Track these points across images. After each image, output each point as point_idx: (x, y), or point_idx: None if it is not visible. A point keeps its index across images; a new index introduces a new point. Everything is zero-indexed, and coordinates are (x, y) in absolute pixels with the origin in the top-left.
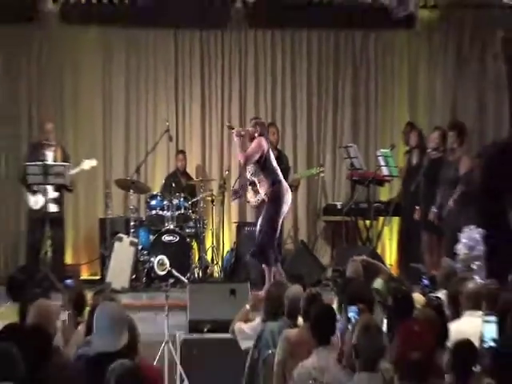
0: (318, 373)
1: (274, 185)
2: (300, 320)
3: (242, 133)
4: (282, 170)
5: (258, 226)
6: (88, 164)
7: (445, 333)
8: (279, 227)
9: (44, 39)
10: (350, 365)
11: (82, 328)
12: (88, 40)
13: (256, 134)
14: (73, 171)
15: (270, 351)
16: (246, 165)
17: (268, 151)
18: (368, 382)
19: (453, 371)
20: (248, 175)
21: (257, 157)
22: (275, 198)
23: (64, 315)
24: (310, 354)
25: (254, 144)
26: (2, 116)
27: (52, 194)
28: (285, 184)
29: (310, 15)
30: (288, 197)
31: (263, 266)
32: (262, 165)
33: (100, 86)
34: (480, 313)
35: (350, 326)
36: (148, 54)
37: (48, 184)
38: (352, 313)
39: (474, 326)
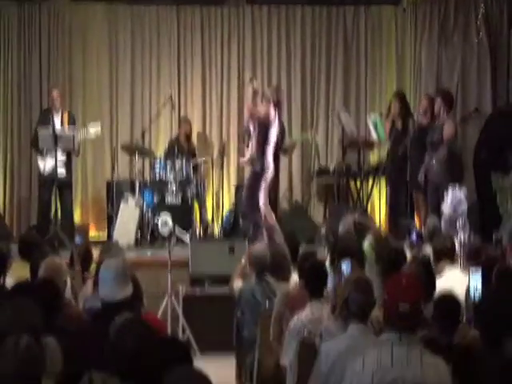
0: (312, 325)
1: (262, 156)
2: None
3: (259, 92)
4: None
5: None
6: (93, 131)
7: (431, 286)
8: (262, 192)
9: (54, 16)
10: (342, 317)
11: (89, 283)
12: (95, 16)
13: (270, 100)
14: (80, 137)
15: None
16: (249, 118)
17: (273, 123)
18: (359, 333)
19: (437, 323)
20: (250, 129)
21: (260, 120)
22: (259, 169)
23: (72, 271)
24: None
25: (264, 108)
26: (14, 86)
27: (61, 157)
28: (270, 159)
29: None
30: (270, 171)
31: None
32: (262, 132)
33: (107, 59)
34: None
35: (342, 280)
36: (152, 29)
37: (57, 149)
38: (344, 266)
39: (458, 281)
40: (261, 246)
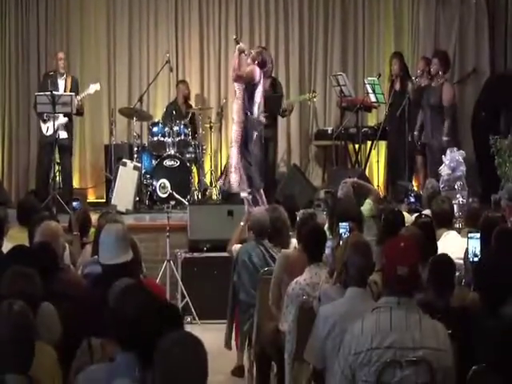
0: (311, 288)
1: (246, 116)
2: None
3: (245, 52)
4: (276, 97)
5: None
6: (93, 88)
7: (432, 250)
8: (252, 154)
9: None
10: (340, 281)
11: (88, 248)
12: None
13: (256, 61)
14: (79, 96)
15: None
16: (234, 81)
17: (258, 83)
18: (358, 297)
19: (432, 286)
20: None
21: (245, 81)
22: (244, 130)
23: (71, 237)
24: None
25: (248, 69)
26: (12, 50)
27: (62, 119)
28: (254, 119)
29: None
30: (255, 131)
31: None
32: (248, 93)
33: (104, 20)
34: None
35: (340, 243)
36: None
37: (56, 113)
38: (343, 229)
39: (456, 243)
40: (261, 210)
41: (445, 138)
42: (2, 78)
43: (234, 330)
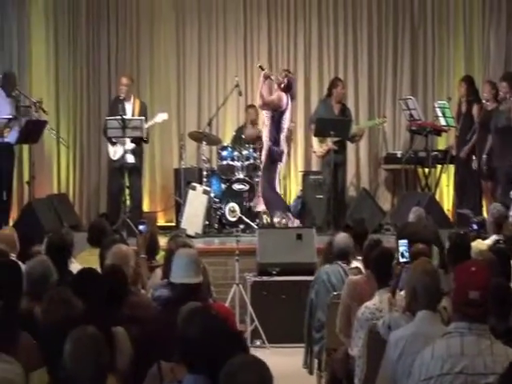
0: (380, 314)
1: (274, 143)
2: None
3: (272, 77)
4: (345, 122)
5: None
6: (160, 117)
7: (506, 276)
8: (277, 180)
9: (121, 2)
10: (410, 309)
11: (158, 271)
12: (162, 1)
13: (282, 86)
14: (147, 124)
15: (332, 294)
16: (260, 108)
17: (285, 110)
18: (428, 321)
19: (492, 310)
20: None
21: (272, 108)
22: (271, 157)
23: (138, 260)
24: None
25: (275, 95)
26: (83, 75)
27: (130, 145)
28: (282, 146)
29: None
30: (282, 158)
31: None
32: (275, 119)
33: (174, 44)
34: None
35: (401, 259)
36: (218, 14)
37: (126, 137)
38: (402, 246)
39: None
40: (343, 234)
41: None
42: (73, 102)
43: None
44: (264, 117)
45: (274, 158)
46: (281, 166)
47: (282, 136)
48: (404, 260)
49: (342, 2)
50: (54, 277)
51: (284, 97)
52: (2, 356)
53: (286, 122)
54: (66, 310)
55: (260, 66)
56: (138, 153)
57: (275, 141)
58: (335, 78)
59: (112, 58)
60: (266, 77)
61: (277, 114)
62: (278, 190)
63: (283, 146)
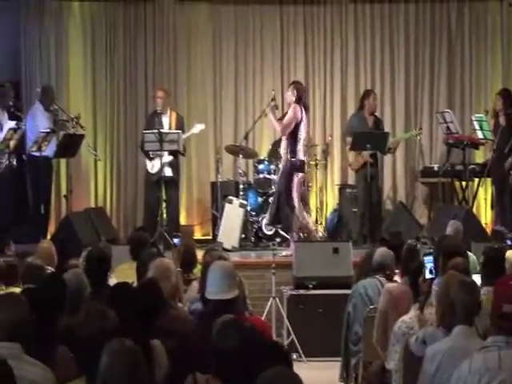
0: (417, 328)
1: (292, 155)
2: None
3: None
4: (381, 135)
5: (276, 193)
6: (198, 128)
7: None
8: (296, 194)
9: (159, 16)
10: (443, 323)
11: (195, 285)
12: (199, 16)
13: (293, 98)
14: (184, 135)
15: (369, 308)
16: (283, 134)
17: (301, 121)
18: (465, 335)
19: None
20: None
21: (293, 126)
22: (291, 169)
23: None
24: (410, 307)
25: (290, 113)
26: (120, 88)
27: (167, 158)
28: (300, 156)
29: None
30: (305, 168)
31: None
32: (292, 131)
33: (211, 59)
34: None
35: (428, 276)
36: (255, 28)
37: (163, 150)
38: (428, 262)
39: None
40: (383, 248)
41: None
42: (110, 115)
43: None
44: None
45: (295, 168)
46: (303, 176)
47: (299, 146)
48: (431, 276)
49: (378, 18)
50: (88, 290)
51: (298, 108)
52: (36, 362)
53: (302, 133)
54: (103, 322)
55: (273, 100)
56: (175, 166)
57: (293, 152)
58: (367, 90)
59: (149, 72)
60: (275, 109)
61: (293, 128)
62: (295, 202)
63: (301, 156)
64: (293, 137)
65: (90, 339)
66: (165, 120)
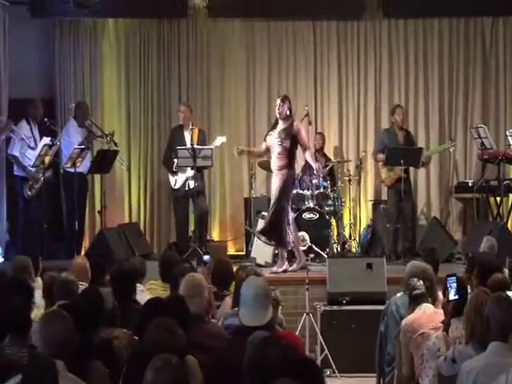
0: (451, 344)
1: (290, 168)
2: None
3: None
4: (416, 150)
5: (271, 205)
6: (219, 140)
7: None
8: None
9: (192, 33)
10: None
11: (228, 300)
12: (233, 32)
13: (288, 112)
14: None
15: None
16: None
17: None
18: (500, 352)
19: None
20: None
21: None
22: (288, 182)
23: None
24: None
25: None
26: (154, 105)
27: (190, 172)
28: (295, 170)
29: (441, 4)
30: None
31: (275, 244)
32: (291, 146)
33: (244, 73)
34: None
35: (452, 297)
36: (288, 44)
37: (196, 166)
38: (454, 283)
39: None
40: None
41: None
42: (144, 132)
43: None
44: (277, 147)
45: (293, 183)
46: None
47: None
48: (455, 298)
49: (412, 26)
50: (109, 305)
51: (296, 123)
52: (77, 380)
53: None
54: (171, 339)
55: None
56: (198, 177)
57: (290, 165)
58: (394, 106)
59: (182, 88)
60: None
61: (292, 143)
62: (291, 217)
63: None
64: (290, 150)
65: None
66: (187, 135)
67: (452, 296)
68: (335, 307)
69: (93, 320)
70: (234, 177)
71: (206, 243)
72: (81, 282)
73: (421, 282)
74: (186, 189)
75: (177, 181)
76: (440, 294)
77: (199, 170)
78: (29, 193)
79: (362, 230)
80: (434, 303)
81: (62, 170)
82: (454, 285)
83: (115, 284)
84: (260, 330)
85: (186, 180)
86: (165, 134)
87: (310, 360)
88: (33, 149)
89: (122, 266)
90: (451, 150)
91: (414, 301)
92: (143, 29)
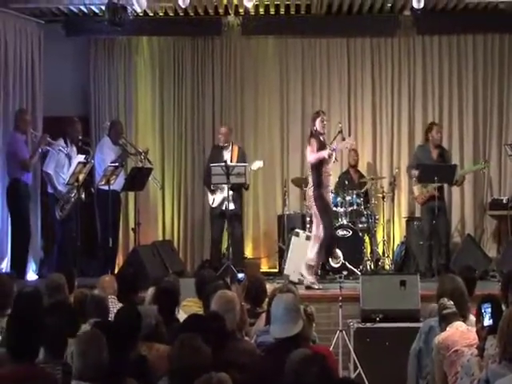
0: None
1: (317, 186)
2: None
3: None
4: (450, 168)
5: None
6: (256, 165)
7: None
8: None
9: (226, 50)
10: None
11: (262, 317)
12: (266, 49)
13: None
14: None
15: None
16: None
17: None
18: None
19: None
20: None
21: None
22: (320, 199)
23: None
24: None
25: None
26: (188, 121)
27: (229, 191)
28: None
29: (475, 20)
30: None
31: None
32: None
33: (278, 91)
34: None
35: (486, 323)
36: (322, 61)
37: (229, 183)
38: (488, 309)
39: None
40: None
41: None
42: (178, 150)
43: None
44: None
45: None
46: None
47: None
48: (490, 323)
49: (446, 49)
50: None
51: (314, 142)
52: None
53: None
54: (196, 356)
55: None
56: (237, 200)
57: (319, 184)
58: (430, 123)
59: (216, 106)
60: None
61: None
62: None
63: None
64: (318, 170)
65: (183, 372)
66: (226, 153)
67: (487, 321)
68: (368, 324)
69: (130, 338)
70: (267, 194)
71: (241, 261)
72: (112, 296)
73: (451, 301)
74: (224, 208)
75: (214, 199)
76: (472, 316)
77: (235, 189)
78: (60, 213)
79: (395, 247)
80: (464, 321)
81: (95, 188)
82: (489, 310)
83: (161, 301)
84: (301, 349)
85: (223, 200)
86: (198, 151)
87: (350, 380)
88: (69, 163)
89: (167, 284)
90: (485, 170)
91: (445, 320)
92: (177, 47)
